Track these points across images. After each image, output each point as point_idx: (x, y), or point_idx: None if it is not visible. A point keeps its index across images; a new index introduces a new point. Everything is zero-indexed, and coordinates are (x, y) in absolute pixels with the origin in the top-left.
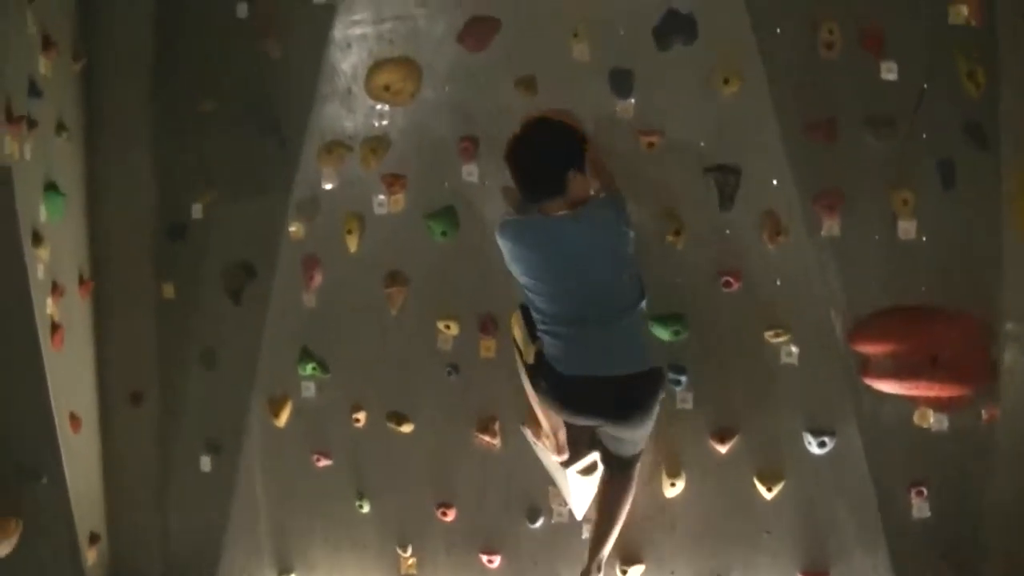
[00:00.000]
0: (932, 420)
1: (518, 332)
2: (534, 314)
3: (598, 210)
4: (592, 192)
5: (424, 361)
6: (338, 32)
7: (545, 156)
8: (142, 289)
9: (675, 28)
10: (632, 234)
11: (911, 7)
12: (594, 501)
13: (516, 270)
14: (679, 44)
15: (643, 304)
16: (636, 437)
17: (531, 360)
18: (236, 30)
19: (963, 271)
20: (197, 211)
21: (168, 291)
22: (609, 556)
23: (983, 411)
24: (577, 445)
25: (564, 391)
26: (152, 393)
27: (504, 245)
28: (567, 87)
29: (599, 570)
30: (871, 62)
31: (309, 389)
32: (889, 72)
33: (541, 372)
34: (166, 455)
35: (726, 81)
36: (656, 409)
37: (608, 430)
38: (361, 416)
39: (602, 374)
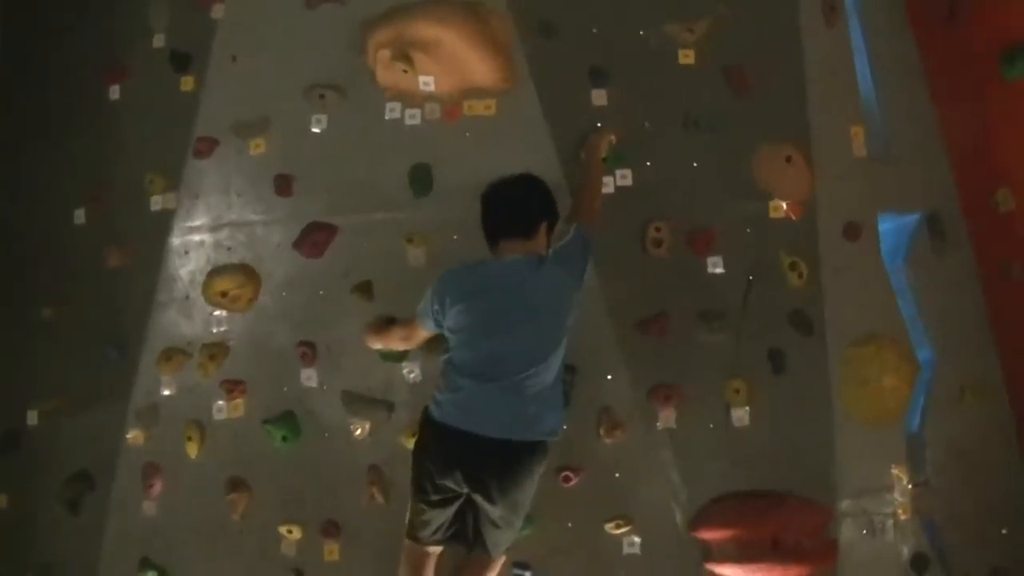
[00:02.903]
0: None
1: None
2: (447, 368)
3: (562, 270)
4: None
5: (267, 566)
6: (176, 239)
7: (527, 198)
8: None
9: None
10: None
11: (734, 203)
12: None
13: (450, 320)
14: None
15: (557, 376)
16: (509, 517)
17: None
18: (74, 236)
19: (797, 453)
20: (33, 419)
21: (1, 502)
22: None
23: None
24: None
25: (440, 447)
26: None
27: (444, 293)
28: (404, 292)
29: None
30: (698, 258)
31: None
32: (716, 266)
33: (425, 439)
34: None
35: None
36: (531, 485)
37: (482, 503)
38: None
39: (484, 434)
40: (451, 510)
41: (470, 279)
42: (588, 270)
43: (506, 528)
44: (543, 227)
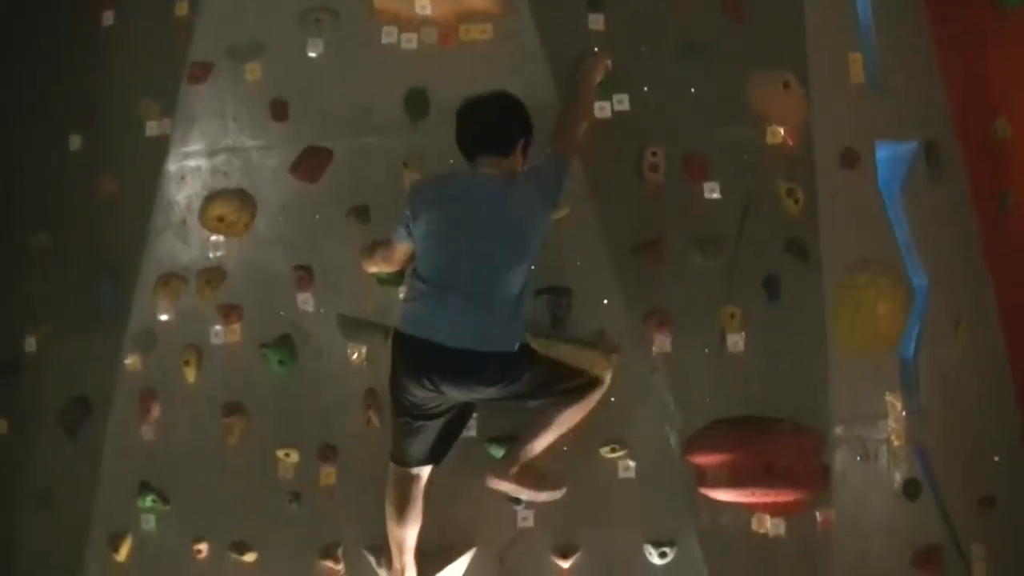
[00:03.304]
0: (769, 525)
1: None
2: (411, 278)
3: (532, 188)
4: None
5: (265, 490)
6: (172, 164)
7: (505, 115)
8: None
9: None
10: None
11: (730, 129)
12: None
13: (417, 228)
14: None
15: (519, 294)
16: (522, 394)
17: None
18: (70, 162)
19: (791, 380)
20: (31, 345)
21: (1, 427)
22: None
23: (818, 515)
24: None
25: (401, 355)
26: None
27: (415, 200)
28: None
29: (515, 466)
30: (695, 183)
31: (149, 522)
32: (712, 192)
33: (392, 350)
34: None
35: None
36: (525, 374)
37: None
38: (203, 547)
39: (437, 341)
40: (431, 429)
41: (441, 188)
42: (562, 188)
43: (535, 392)
44: (519, 145)
